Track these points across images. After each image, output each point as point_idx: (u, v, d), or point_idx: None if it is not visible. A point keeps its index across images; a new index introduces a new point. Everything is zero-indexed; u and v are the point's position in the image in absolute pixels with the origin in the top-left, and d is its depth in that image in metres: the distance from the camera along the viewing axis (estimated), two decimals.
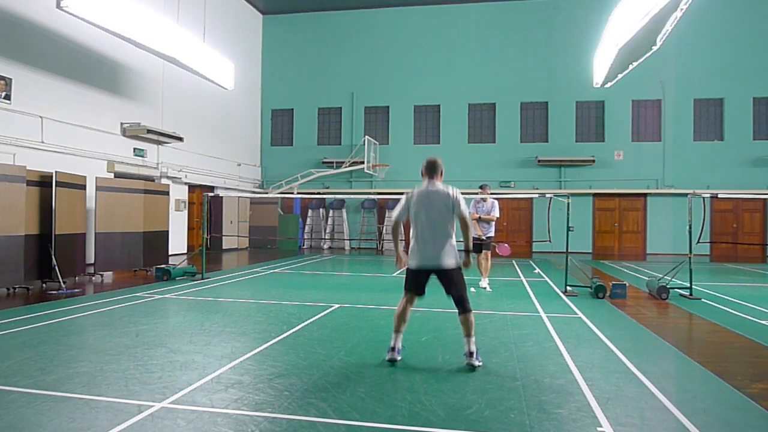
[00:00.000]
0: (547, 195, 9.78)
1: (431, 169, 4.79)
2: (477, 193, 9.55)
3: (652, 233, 19.14)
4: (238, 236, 18.50)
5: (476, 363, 4.50)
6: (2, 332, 5.67)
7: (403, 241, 4.87)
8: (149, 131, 14.01)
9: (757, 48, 18.65)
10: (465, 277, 4.71)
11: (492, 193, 9.71)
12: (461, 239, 4.68)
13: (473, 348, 4.54)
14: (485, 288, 9.27)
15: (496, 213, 9.41)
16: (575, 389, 3.98)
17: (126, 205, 10.97)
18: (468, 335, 4.56)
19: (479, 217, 9.34)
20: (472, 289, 9.31)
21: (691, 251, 8.98)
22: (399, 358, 4.66)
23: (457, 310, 4.62)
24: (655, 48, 10.38)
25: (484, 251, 9.39)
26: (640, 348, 5.34)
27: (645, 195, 19.21)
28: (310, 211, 21.15)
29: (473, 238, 9.25)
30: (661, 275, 9.47)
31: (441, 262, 4.56)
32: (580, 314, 7.07)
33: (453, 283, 4.58)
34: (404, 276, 4.81)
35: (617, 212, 19.49)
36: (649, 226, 19.23)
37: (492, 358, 4.83)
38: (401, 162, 20.47)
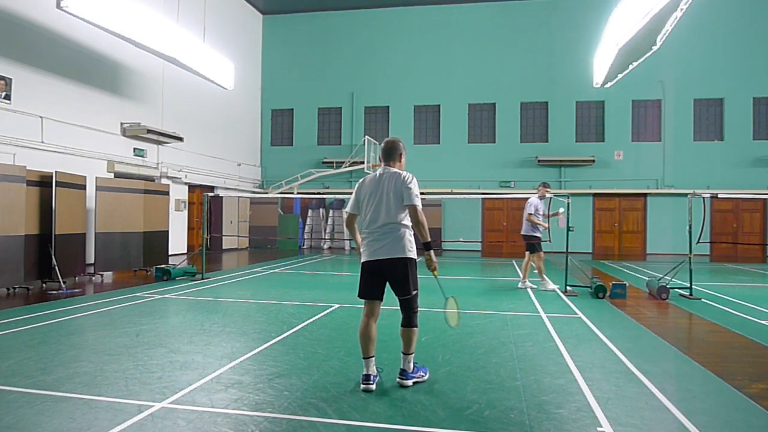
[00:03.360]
0: (547, 195, 9.77)
1: (387, 154, 4.19)
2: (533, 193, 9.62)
3: (652, 233, 19.14)
4: (238, 236, 18.51)
5: (408, 383, 3.94)
6: (2, 332, 5.67)
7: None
8: (149, 131, 14.01)
9: (757, 48, 18.65)
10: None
11: (492, 193, 9.81)
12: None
13: (409, 365, 3.98)
14: (548, 289, 9.26)
15: (529, 210, 9.42)
16: (575, 389, 3.98)
17: (126, 205, 10.97)
18: (406, 352, 3.97)
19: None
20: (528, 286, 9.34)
21: (691, 251, 8.97)
22: (374, 388, 3.86)
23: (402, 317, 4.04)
24: (655, 48, 10.38)
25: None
26: (640, 348, 5.34)
27: (645, 195, 19.21)
28: (310, 211, 21.14)
29: (529, 236, 9.26)
30: (661, 275, 9.46)
31: (391, 253, 3.91)
32: (580, 314, 7.07)
33: (403, 280, 3.94)
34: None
35: (617, 212, 19.49)
36: (649, 226, 19.23)
37: (492, 358, 4.82)
38: None
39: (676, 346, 5.38)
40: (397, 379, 3.99)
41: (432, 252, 3.90)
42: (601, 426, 3.29)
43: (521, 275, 9.77)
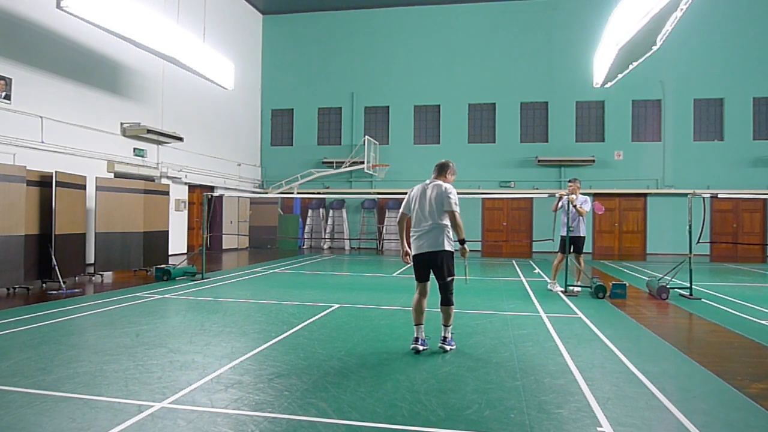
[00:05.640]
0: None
1: (438, 169, 5.22)
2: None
3: (652, 233, 19.15)
4: (238, 236, 18.50)
5: (447, 347, 5.03)
6: (2, 332, 5.67)
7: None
8: (149, 131, 14.01)
9: (757, 48, 18.65)
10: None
11: (492, 193, 9.57)
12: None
13: (448, 334, 5.09)
14: (554, 290, 9.09)
15: (587, 208, 8.96)
16: (575, 389, 3.98)
17: (126, 205, 10.97)
18: (445, 324, 5.08)
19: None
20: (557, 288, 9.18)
21: (691, 251, 8.97)
22: (422, 348, 4.96)
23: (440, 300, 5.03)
24: (655, 48, 10.37)
25: (560, 253, 9.10)
26: (640, 348, 5.34)
27: (645, 195, 19.22)
28: (310, 211, 21.15)
29: (561, 236, 9.16)
30: (661, 275, 9.46)
31: (432, 247, 4.93)
32: (580, 314, 7.06)
33: (441, 268, 4.94)
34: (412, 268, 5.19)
35: (617, 212, 19.50)
36: (649, 226, 19.24)
37: (492, 358, 4.82)
38: (401, 162, 20.47)
39: (676, 346, 5.38)
40: (439, 344, 5.06)
41: (466, 245, 4.96)
42: (601, 426, 3.29)
43: (575, 279, 9.21)
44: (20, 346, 5.10)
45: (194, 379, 4.11)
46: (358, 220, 20.97)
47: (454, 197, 4.96)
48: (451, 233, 5.00)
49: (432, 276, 5.10)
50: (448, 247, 4.96)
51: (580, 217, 8.96)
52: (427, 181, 5.17)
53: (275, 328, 6.03)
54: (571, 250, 9.04)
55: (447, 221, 4.96)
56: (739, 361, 4.93)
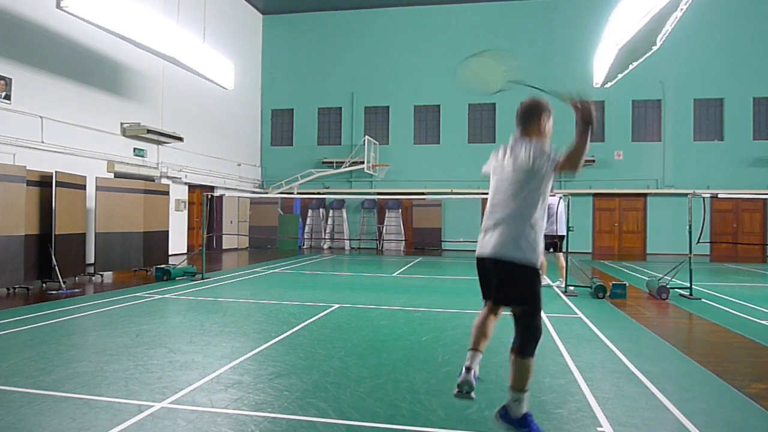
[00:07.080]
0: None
1: (523, 118, 3.36)
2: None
3: (652, 233, 19.14)
4: (238, 236, 18.48)
5: (505, 426, 3.00)
6: (2, 332, 5.66)
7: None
8: (149, 131, 14.02)
9: (757, 48, 18.65)
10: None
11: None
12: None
13: (517, 407, 2.93)
14: (551, 285, 9.51)
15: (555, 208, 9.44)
16: (575, 389, 3.98)
17: (126, 205, 10.96)
18: (512, 386, 2.96)
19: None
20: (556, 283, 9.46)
21: (691, 251, 8.97)
22: (473, 382, 3.00)
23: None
24: (655, 48, 10.39)
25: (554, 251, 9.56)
26: (640, 348, 5.34)
27: (645, 195, 19.22)
28: (310, 211, 21.15)
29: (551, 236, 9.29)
30: (661, 275, 9.46)
31: (500, 250, 2.98)
32: (580, 314, 7.06)
33: (512, 289, 3.03)
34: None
35: (617, 212, 19.50)
36: (649, 226, 19.24)
37: (492, 358, 4.81)
38: (401, 162, 20.47)
39: (676, 346, 5.38)
40: (495, 412, 3.09)
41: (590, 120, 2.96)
42: (601, 426, 3.29)
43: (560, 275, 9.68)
44: (20, 346, 5.10)
45: (194, 379, 4.11)
46: (358, 220, 20.97)
47: (549, 150, 3.18)
48: (536, 231, 3.05)
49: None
50: (528, 258, 2.94)
51: (554, 217, 9.39)
52: (511, 140, 3.36)
53: (275, 328, 6.03)
54: (551, 250, 9.39)
55: (536, 209, 3.09)
56: (739, 361, 4.93)
